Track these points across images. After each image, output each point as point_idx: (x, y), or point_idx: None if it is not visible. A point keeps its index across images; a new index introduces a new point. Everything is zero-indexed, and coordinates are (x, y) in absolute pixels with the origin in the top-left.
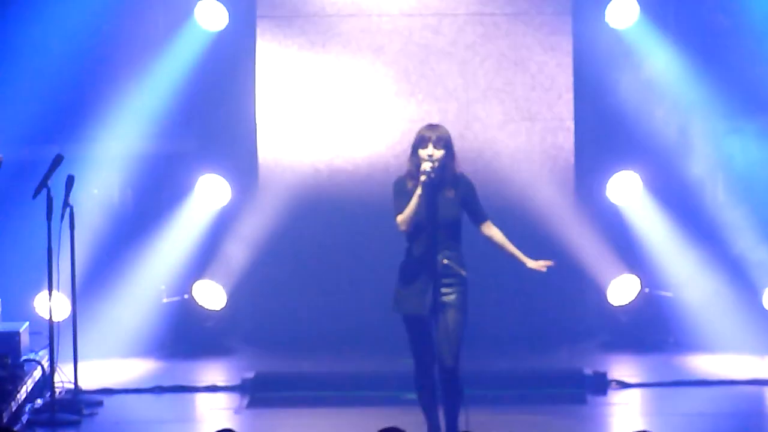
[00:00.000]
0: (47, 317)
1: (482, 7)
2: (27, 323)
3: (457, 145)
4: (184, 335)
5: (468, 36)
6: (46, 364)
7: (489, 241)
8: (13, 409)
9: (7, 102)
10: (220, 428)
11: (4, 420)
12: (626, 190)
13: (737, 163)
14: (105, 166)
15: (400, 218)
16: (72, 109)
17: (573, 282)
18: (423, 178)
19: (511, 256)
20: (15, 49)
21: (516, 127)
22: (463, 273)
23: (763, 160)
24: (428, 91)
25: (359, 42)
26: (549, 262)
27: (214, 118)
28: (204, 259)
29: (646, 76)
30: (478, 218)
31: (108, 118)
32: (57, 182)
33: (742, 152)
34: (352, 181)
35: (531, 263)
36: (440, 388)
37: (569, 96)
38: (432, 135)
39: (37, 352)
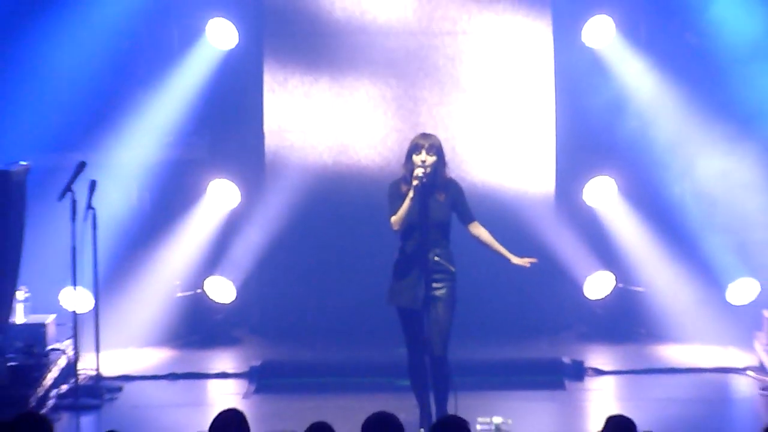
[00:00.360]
0: (72, 310)
1: (471, 26)
2: (53, 316)
3: (448, 151)
4: (197, 326)
5: (458, 52)
6: (70, 352)
7: (476, 239)
8: (40, 395)
9: (33, 113)
10: (226, 410)
11: (32, 404)
12: (602, 194)
13: (703, 171)
14: (124, 172)
15: (393, 219)
16: (94, 120)
17: (553, 278)
18: (415, 182)
19: (497, 253)
20: (41, 64)
21: (502, 137)
22: (452, 269)
23: (726, 169)
24: (421, 101)
25: (358, 58)
26: (532, 259)
27: (224, 128)
28: (215, 257)
29: (620, 91)
30: (466, 219)
31: (127, 128)
32: (80, 187)
33: (707, 162)
34: (351, 185)
35: (515, 260)
36: (431, 374)
37: (551, 108)
38: (425, 143)
39: (62, 342)
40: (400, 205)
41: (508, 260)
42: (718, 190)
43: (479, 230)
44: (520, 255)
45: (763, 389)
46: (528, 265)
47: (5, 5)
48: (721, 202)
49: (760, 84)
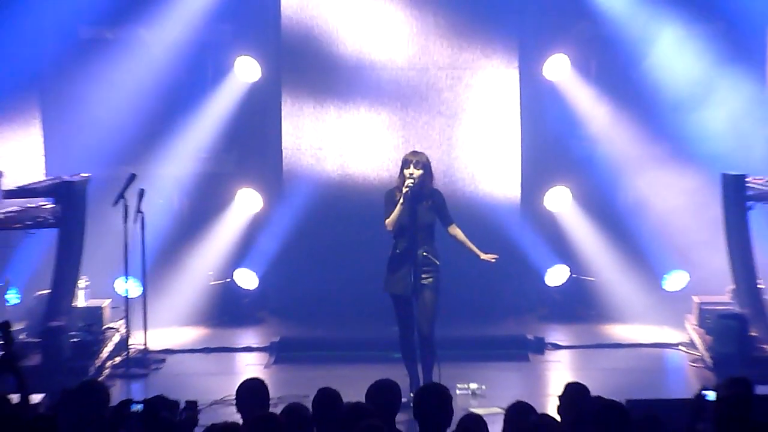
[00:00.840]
0: (124, 296)
1: (452, 63)
2: (108, 300)
3: (434, 165)
4: (226, 309)
5: (442, 84)
6: (122, 330)
7: (453, 239)
8: (98, 365)
9: (93, 133)
10: (249, 379)
11: (91, 373)
12: (559, 201)
13: (643, 182)
14: (167, 183)
15: (387, 221)
16: (142, 139)
17: (519, 269)
18: (405, 190)
19: (470, 251)
20: (100, 93)
21: (477, 153)
22: (437, 262)
23: (662, 181)
24: (411, 124)
25: (360, 89)
26: (495, 255)
27: (249, 146)
28: (241, 252)
29: (574, 116)
30: (446, 222)
31: (169, 146)
32: (131, 195)
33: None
34: (354, 193)
35: (483, 256)
36: (419, 349)
37: (517, 130)
38: (414, 159)
39: (115, 322)
40: (393, 210)
41: (477, 256)
42: (656, 198)
43: (456, 231)
44: (492, 251)
45: (693, 362)
46: (492, 260)
47: (75, 49)
48: (658, 208)
49: (693, 114)
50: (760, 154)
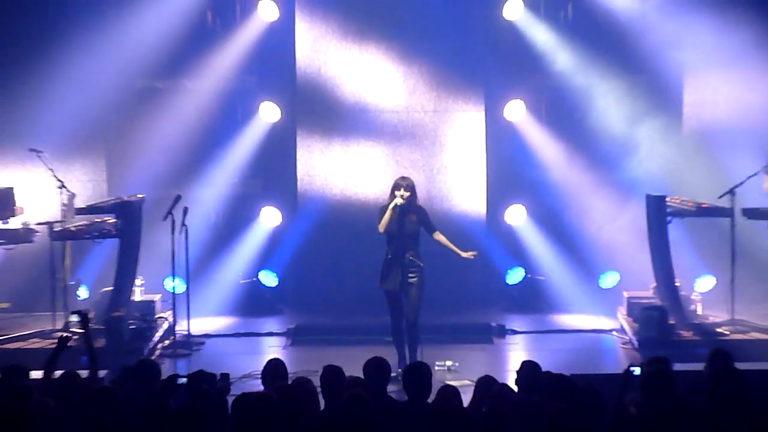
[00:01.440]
0: (171, 291)
1: (434, 106)
2: (159, 295)
3: (418, 187)
4: (253, 302)
5: (426, 123)
6: (170, 319)
7: (438, 242)
8: (150, 347)
9: (146, 163)
10: (272, 358)
11: (145, 353)
12: (517, 216)
13: (584, 201)
14: (206, 202)
15: (379, 226)
16: (186, 167)
17: (485, 271)
18: (394, 205)
19: (452, 250)
20: (153, 132)
21: (451, 177)
22: (421, 264)
23: (597, 202)
24: (402, 155)
25: (361, 128)
26: (474, 252)
27: (271, 173)
28: (264, 257)
29: (529, 149)
30: (430, 230)
31: (208, 173)
32: (177, 211)
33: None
34: (355, 210)
35: (463, 254)
36: (406, 334)
37: (483, 160)
38: (403, 183)
39: (164, 312)
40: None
41: (458, 255)
42: (594, 214)
43: (439, 237)
44: (461, 257)
45: (623, 344)
46: (471, 256)
47: (132, 95)
48: (595, 222)
49: (623, 147)
50: (677, 179)
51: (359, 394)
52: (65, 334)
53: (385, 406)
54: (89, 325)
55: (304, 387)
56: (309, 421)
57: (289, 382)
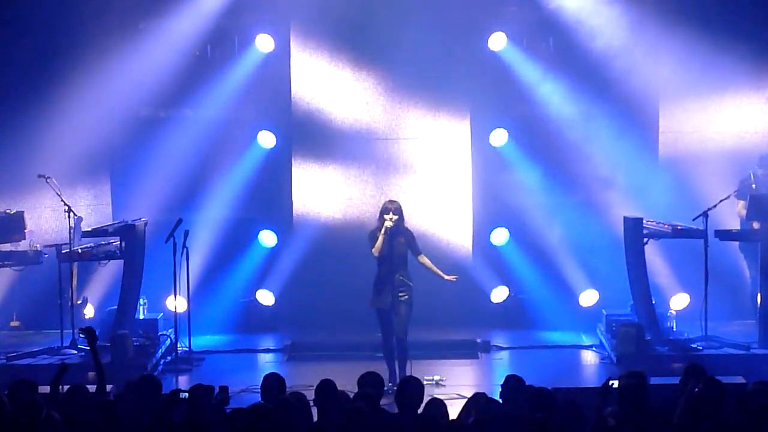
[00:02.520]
0: (173, 310)
1: (420, 133)
2: (162, 314)
3: (405, 210)
4: (251, 320)
5: (412, 150)
6: (172, 336)
7: (423, 265)
8: (153, 363)
9: (149, 188)
10: (270, 373)
11: (148, 368)
12: (501, 237)
13: (562, 223)
14: (206, 226)
15: (373, 249)
16: (187, 192)
17: (471, 290)
18: (385, 227)
19: (435, 273)
20: (153, 158)
21: (439, 202)
22: (410, 284)
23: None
24: (388, 179)
25: (350, 155)
26: (455, 276)
27: (268, 197)
28: (262, 277)
29: (512, 175)
30: (416, 253)
31: (208, 198)
32: (179, 234)
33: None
34: (347, 232)
35: (445, 276)
36: (396, 350)
37: (469, 184)
38: (391, 206)
39: (167, 330)
40: (376, 242)
41: (441, 277)
42: (574, 235)
43: (424, 260)
44: (449, 274)
45: (602, 359)
46: (453, 279)
47: (136, 124)
48: (575, 243)
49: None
50: (653, 202)
51: (359, 408)
52: (65, 363)
53: (379, 418)
54: (96, 341)
55: (298, 400)
56: None
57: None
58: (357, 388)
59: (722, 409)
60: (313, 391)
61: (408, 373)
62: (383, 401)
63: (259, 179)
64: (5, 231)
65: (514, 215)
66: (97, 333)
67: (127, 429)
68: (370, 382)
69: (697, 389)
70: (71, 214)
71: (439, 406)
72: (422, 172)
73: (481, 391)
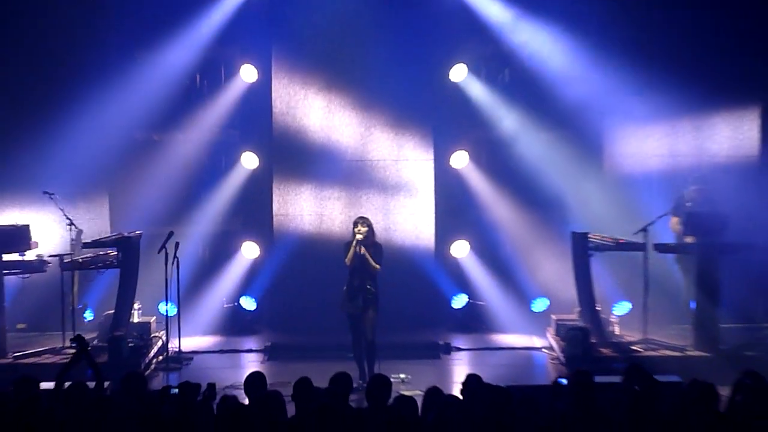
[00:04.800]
0: (164, 314)
1: (389, 155)
2: (154, 317)
3: (375, 224)
4: (235, 323)
5: (381, 170)
6: (163, 338)
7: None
8: (146, 362)
9: (143, 203)
10: (253, 371)
11: (142, 367)
12: (461, 250)
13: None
14: (195, 238)
15: (346, 260)
16: (177, 207)
17: (433, 296)
18: (356, 241)
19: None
20: (147, 177)
21: (405, 216)
22: (376, 291)
23: (529, 237)
24: (361, 197)
25: (327, 173)
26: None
27: (250, 212)
28: (245, 284)
29: (470, 192)
30: (376, 263)
31: (196, 212)
32: (170, 246)
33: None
34: (324, 243)
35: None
36: (365, 350)
37: (432, 201)
38: (360, 221)
39: (159, 332)
40: (348, 253)
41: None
42: (526, 248)
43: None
44: (415, 285)
45: (552, 359)
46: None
47: (131, 146)
48: (527, 255)
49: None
50: (598, 218)
51: (328, 404)
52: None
53: (348, 412)
54: (88, 346)
55: (274, 397)
56: (280, 426)
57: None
58: (329, 385)
59: (660, 405)
60: (291, 387)
61: (377, 372)
62: (354, 397)
63: (243, 196)
64: (13, 242)
65: (473, 230)
66: (93, 336)
67: (121, 422)
68: (340, 381)
69: (637, 387)
70: (72, 227)
71: (406, 402)
72: (389, 190)
73: (436, 386)
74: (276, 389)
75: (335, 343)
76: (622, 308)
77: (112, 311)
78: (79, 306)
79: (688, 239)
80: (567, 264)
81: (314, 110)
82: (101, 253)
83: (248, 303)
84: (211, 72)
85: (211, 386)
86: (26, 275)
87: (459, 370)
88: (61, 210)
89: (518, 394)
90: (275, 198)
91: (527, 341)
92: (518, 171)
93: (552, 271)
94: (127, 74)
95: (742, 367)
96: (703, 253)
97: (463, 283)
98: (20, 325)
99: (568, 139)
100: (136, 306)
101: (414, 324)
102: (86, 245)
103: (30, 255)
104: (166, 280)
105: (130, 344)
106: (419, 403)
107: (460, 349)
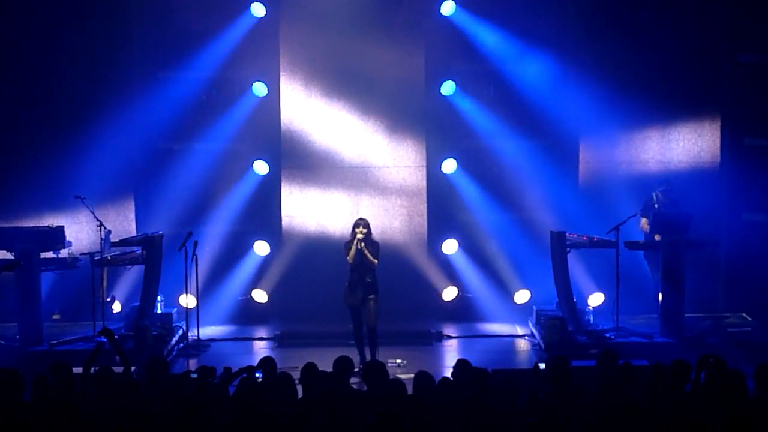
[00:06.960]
0: (185, 306)
1: (386, 161)
2: (175, 308)
3: (373, 226)
4: (247, 314)
5: (381, 175)
6: (184, 327)
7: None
8: (168, 348)
9: (166, 207)
10: (264, 356)
11: (164, 353)
12: (451, 248)
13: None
14: (211, 237)
15: (348, 258)
16: (196, 209)
17: (426, 289)
18: (356, 240)
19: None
20: (168, 183)
21: (401, 217)
22: (376, 285)
23: (512, 236)
24: (364, 200)
25: (332, 179)
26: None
27: (261, 214)
28: (257, 279)
29: (460, 196)
30: (374, 258)
31: (213, 214)
32: (189, 244)
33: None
34: (328, 243)
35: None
36: (368, 338)
37: (423, 203)
38: (360, 222)
39: (180, 322)
40: (350, 251)
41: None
42: (510, 245)
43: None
44: (409, 279)
45: (533, 346)
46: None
47: (154, 154)
48: (512, 252)
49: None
50: (574, 218)
51: (331, 386)
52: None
53: (349, 394)
54: (114, 336)
55: (286, 379)
56: (291, 406)
57: (277, 373)
58: (332, 368)
59: (630, 386)
60: (299, 372)
61: (378, 357)
62: (355, 380)
63: (255, 199)
64: (48, 242)
65: (462, 229)
66: (120, 326)
67: (147, 402)
68: (342, 365)
69: (610, 371)
70: (102, 227)
71: (400, 384)
72: (387, 193)
73: (424, 370)
74: (287, 372)
75: (338, 331)
76: (596, 299)
77: (138, 303)
78: (108, 299)
79: (656, 237)
80: (546, 260)
81: (319, 122)
82: (128, 251)
83: (260, 296)
84: (225, 88)
85: (227, 369)
86: (60, 271)
87: (449, 355)
88: (92, 212)
89: (502, 376)
90: (284, 201)
91: (510, 329)
92: (502, 176)
93: (533, 267)
94: (151, 91)
95: (704, 351)
96: (669, 249)
97: (453, 278)
98: (55, 316)
99: (547, 149)
100: (159, 299)
101: (409, 314)
102: (114, 244)
103: (64, 253)
104: (186, 275)
105: (154, 333)
106: (411, 386)
107: (450, 337)
